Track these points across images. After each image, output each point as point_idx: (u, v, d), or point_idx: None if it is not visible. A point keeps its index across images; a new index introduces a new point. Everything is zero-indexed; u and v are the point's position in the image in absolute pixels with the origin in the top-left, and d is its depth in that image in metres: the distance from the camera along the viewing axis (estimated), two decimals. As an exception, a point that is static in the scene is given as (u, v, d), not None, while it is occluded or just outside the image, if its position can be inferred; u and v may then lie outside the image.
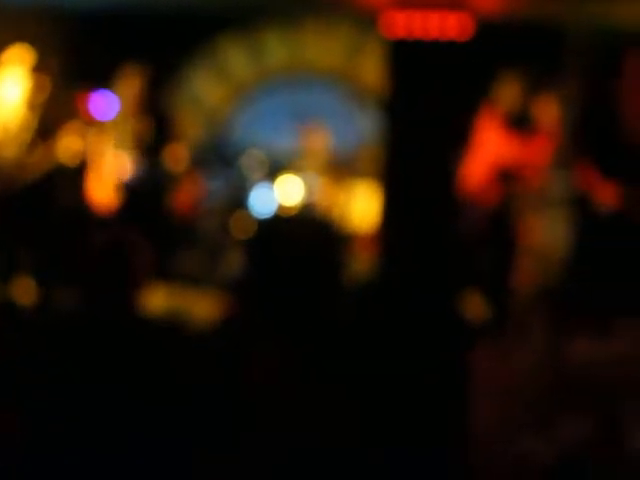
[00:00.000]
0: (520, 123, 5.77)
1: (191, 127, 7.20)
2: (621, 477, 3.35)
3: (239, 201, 6.87)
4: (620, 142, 4.83)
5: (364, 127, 7.21)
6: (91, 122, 5.84)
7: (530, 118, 5.81)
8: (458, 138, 5.70)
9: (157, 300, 4.76)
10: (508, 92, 5.75)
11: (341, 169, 7.18)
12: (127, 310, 2.33)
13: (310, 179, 7.02)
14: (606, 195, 4.83)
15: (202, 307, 4.92)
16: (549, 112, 5.83)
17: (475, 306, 5.52)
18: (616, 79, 4.82)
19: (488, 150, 5.81)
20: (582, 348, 4.19)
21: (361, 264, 6.46)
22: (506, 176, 5.75)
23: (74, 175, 5.67)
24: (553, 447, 3.34)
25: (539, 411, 3.56)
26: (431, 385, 4.01)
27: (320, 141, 7.09)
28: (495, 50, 5.63)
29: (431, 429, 3.70)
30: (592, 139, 4.84)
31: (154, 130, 5.94)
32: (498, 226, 5.73)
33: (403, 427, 3.75)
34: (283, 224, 6.01)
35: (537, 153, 5.83)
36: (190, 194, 6.46)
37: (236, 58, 7.66)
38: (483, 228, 5.81)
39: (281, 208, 6.89)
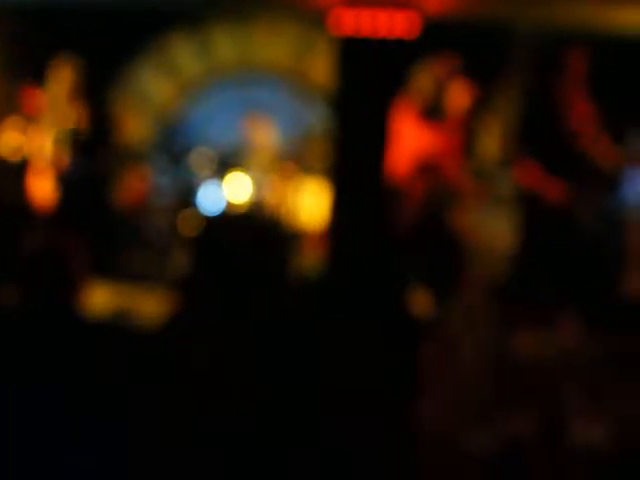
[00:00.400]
0: (434, 114, 5.65)
1: (138, 123, 7.15)
2: (563, 468, 3.40)
3: (187, 198, 6.83)
4: (561, 139, 4.90)
5: (313, 124, 7.22)
6: (32, 117, 5.77)
7: (444, 109, 5.68)
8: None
9: (102, 299, 4.72)
10: (422, 83, 5.64)
11: (290, 166, 7.18)
12: (64, 310, 2.30)
13: (258, 176, 7.01)
14: (550, 192, 4.89)
15: (149, 305, 4.89)
16: (461, 102, 5.70)
17: (421, 303, 5.56)
18: (557, 77, 4.90)
19: (406, 142, 5.71)
20: (527, 342, 4.25)
21: (310, 261, 6.47)
22: (426, 169, 5.64)
23: (15, 171, 5.60)
24: (496, 441, 3.38)
25: (484, 406, 3.60)
26: (378, 382, 4.03)
27: (266, 137, 7.08)
28: (441, 48, 5.65)
29: (377, 425, 3.72)
30: (534, 136, 4.91)
31: (91, 125, 5.86)
32: (431, 221, 5.69)
33: (348, 424, 3.77)
34: (230, 222, 5.99)
35: (452, 144, 5.74)
36: (136, 190, 6.41)
37: (185, 54, 7.61)
38: (416, 223, 5.78)
39: (230, 205, 6.88)
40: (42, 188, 5.75)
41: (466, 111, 5.63)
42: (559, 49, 4.89)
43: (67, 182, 5.78)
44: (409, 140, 5.67)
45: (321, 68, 7.02)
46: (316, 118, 7.14)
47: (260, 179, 7.02)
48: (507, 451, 3.37)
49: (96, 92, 6.03)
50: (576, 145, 4.91)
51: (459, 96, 5.62)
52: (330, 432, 3.55)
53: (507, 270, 5.18)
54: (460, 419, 3.54)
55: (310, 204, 6.94)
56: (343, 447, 3.49)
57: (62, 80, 5.84)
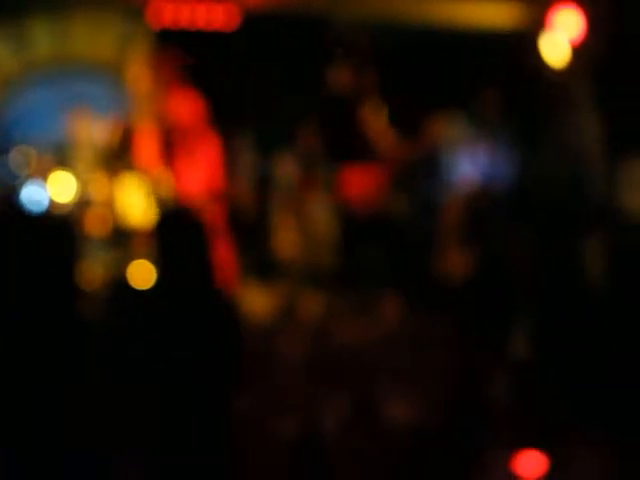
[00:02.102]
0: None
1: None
2: (375, 450, 3.47)
3: (9, 199, 6.59)
4: (358, 130, 5.04)
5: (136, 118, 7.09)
6: None
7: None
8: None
9: None
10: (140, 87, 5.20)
11: (116, 163, 7.03)
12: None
13: (83, 174, 6.83)
14: (365, 180, 5.01)
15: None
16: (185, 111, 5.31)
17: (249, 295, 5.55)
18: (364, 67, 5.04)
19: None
20: (348, 329, 4.32)
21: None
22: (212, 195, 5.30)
23: None
24: (304, 426, 3.43)
25: (297, 392, 3.64)
26: (197, 373, 4.01)
27: (88, 130, 6.92)
28: (261, 40, 5.66)
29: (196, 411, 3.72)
30: (340, 127, 5.02)
31: None
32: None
33: (173, 419, 3.74)
34: (20, 224, 5.81)
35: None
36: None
37: (1, 50, 7.35)
38: None
39: (54, 205, 6.67)
40: None
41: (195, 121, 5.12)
42: (355, 40, 5.01)
43: None
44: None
45: (142, 61, 6.91)
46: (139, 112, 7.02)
47: (86, 177, 6.84)
48: (313, 435, 3.42)
49: None
50: (377, 135, 5.05)
51: (181, 105, 5.14)
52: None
53: (329, 258, 5.25)
54: (273, 405, 3.58)
55: (138, 201, 6.82)
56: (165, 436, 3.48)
57: None
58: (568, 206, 5.30)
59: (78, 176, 6.78)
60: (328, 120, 5.15)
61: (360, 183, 5.11)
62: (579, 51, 5.62)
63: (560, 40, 5.66)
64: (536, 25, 5.66)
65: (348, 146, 5.17)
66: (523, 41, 5.69)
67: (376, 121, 5.27)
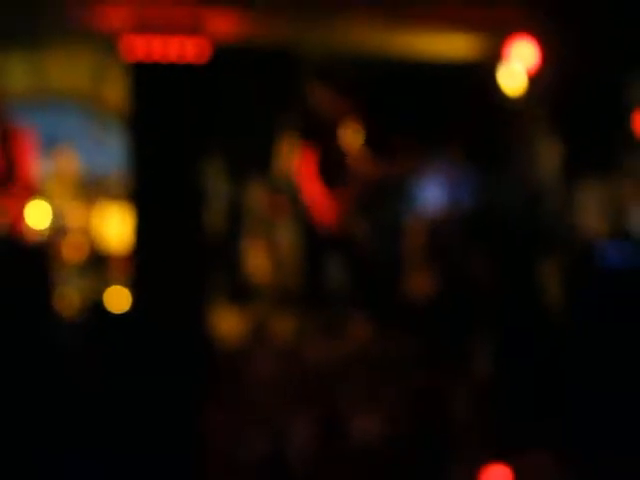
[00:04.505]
0: None
1: None
2: (343, 466, 3.60)
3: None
4: (336, 154, 5.24)
5: (112, 149, 7.25)
6: None
7: None
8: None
9: None
10: None
11: (92, 192, 7.18)
12: None
13: (60, 202, 6.96)
14: (328, 206, 5.21)
15: None
16: None
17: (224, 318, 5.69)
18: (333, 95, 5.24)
19: None
20: (318, 349, 4.47)
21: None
22: None
23: None
24: (272, 444, 3.56)
25: (266, 411, 3.77)
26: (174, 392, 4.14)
27: (69, 164, 7.07)
28: (234, 72, 5.86)
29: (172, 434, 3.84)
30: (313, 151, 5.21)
31: None
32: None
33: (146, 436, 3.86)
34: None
35: None
36: None
37: (-23, 82, 7.47)
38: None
39: (30, 232, 6.79)
40: None
41: None
42: (331, 70, 5.22)
43: None
44: None
45: (117, 93, 7.08)
46: (115, 143, 7.18)
47: (62, 206, 6.98)
48: (283, 450, 3.54)
49: None
50: (349, 160, 5.24)
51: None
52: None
53: (299, 281, 5.41)
54: (244, 421, 3.70)
55: (115, 230, 6.96)
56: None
57: None
58: (524, 229, 5.50)
59: (54, 204, 6.91)
60: (306, 143, 5.37)
61: (329, 206, 5.31)
62: (535, 80, 5.84)
63: (517, 70, 5.89)
64: (493, 56, 5.89)
65: (324, 169, 5.39)
66: (481, 71, 5.92)
67: (352, 142, 5.49)
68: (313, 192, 5.44)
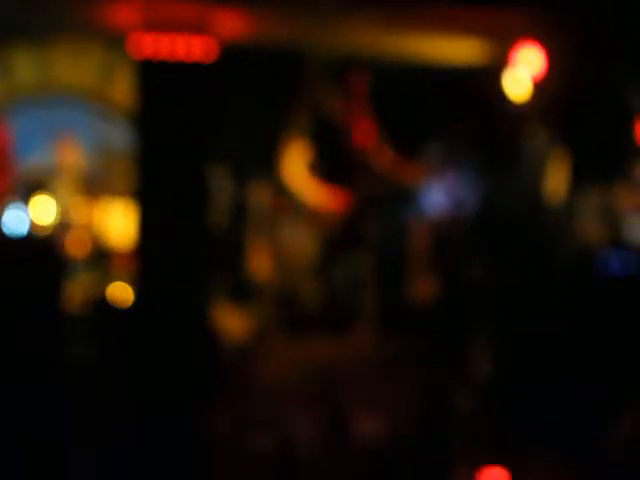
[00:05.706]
0: None
1: None
2: (346, 465, 3.64)
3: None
4: (346, 154, 5.28)
5: (118, 145, 7.29)
6: None
7: None
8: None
9: None
10: None
11: (96, 187, 7.21)
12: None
13: (65, 197, 7.00)
14: (337, 205, 5.24)
15: None
16: None
17: (229, 316, 5.73)
18: (342, 97, 5.28)
19: None
20: (323, 349, 4.50)
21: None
22: None
23: None
24: (277, 441, 3.59)
25: (270, 409, 3.80)
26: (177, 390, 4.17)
27: (74, 158, 7.10)
28: (240, 72, 5.90)
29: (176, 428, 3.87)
30: (323, 153, 5.25)
31: None
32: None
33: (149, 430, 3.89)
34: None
35: None
36: None
37: (-16, 77, 7.51)
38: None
39: (35, 227, 6.83)
40: None
41: None
42: (345, 72, 5.25)
43: None
44: None
45: (123, 90, 7.12)
46: (120, 139, 7.22)
47: (67, 201, 7.01)
48: (287, 451, 3.58)
49: None
50: (360, 159, 5.28)
51: None
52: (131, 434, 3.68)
53: (304, 282, 5.45)
54: (248, 422, 3.73)
55: (119, 225, 6.99)
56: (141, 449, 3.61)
57: None
58: (526, 234, 5.55)
59: (59, 200, 6.95)
60: (318, 142, 5.41)
61: (339, 205, 5.35)
62: (540, 87, 5.88)
63: (522, 76, 5.93)
64: (499, 61, 5.93)
65: (331, 171, 5.42)
66: (486, 77, 5.95)
67: (370, 140, 5.52)
68: (319, 194, 5.48)
